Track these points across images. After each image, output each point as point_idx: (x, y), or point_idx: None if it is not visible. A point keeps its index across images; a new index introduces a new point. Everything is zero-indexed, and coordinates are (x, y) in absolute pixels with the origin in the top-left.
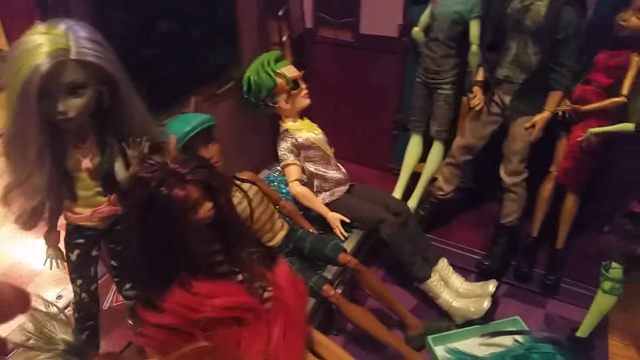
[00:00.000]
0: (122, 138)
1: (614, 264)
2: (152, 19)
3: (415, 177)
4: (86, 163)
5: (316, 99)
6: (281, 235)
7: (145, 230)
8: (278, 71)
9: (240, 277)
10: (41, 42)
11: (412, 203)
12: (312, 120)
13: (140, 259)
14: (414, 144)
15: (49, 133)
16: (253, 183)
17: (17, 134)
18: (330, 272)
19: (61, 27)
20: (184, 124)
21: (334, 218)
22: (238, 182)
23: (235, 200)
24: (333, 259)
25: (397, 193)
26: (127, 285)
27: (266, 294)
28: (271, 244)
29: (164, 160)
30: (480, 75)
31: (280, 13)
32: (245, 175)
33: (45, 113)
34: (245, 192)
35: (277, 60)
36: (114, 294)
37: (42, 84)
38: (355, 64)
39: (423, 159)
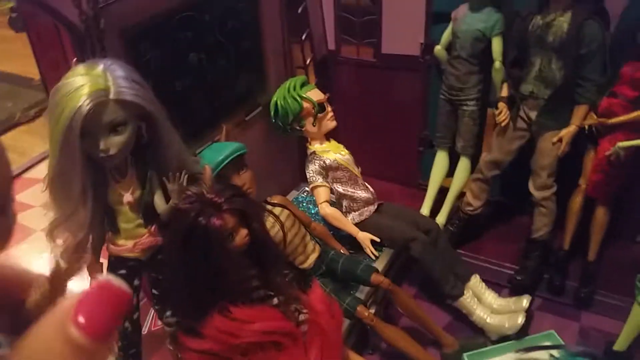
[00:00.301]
0: (161, 170)
1: None
2: (182, 52)
3: (442, 192)
4: (127, 197)
5: (342, 119)
6: (313, 257)
7: (186, 259)
8: (304, 95)
9: (275, 300)
10: (82, 84)
11: (441, 219)
12: (339, 140)
13: (181, 287)
14: (440, 160)
15: (91, 170)
16: (284, 207)
17: (61, 173)
18: (363, 292)
19: (100, 67)
20: (217, 152)
21: (365, 238)
22: (270, 207)
23: (268, 224)
24: (366, 279)
25: (425, 209)
26: (168, 313)
27: (301, 317)
28: (304, 266)
29: (200, 191)
30: (504, 92)
31: (303, 37)
32: (276, 199)
33: (87, 151)
34: (277, 217)
35: (302, 85)
36: (153, 318)
37: (84, 125)
38: (378, 83)
39: (450, 174)
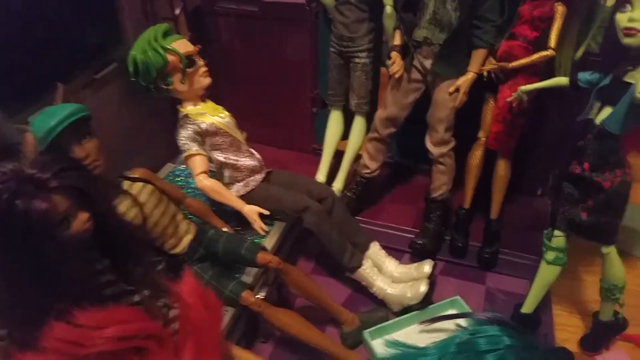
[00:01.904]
0: None
1: (556, 232)
2: None
3: (339, 155)
4: None
5: (222, 79)
6: (187, 239)
7: (4, 255)
8: (168, 47)
9: (137, 297)
10: None
11: (338, 184)
12: (219, 102)
13: (5, 291)
14: (334, 120)
15: None
16: (147, 181)
17: None
18: (250, 274)
19: None
20: (50, 117)
21: (251, 211)
22: (128, 183)
23: (125, 205)
24: (251, 260)
25: (321, 175)
26: None
27: (172, 313)
28: (176, 250)
29: (18, 166)
30: (397, 39)
31: None
32: (137, 173)
33: None
34: (132, 195)
35: (165, 34)
36: None
37: None
38: (262, 36)
39: (346, 135)
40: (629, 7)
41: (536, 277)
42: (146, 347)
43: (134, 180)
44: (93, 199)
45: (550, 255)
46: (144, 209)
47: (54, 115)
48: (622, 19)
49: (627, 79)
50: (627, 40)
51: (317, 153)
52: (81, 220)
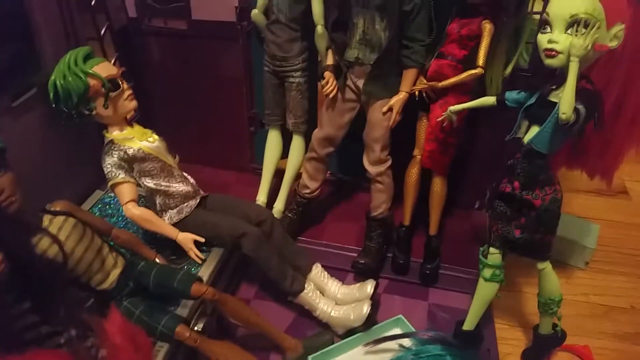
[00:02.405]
0: None
1: (492, 250)
2: None
3: (281, 175)
4: None
5: (154, 100)
6: (115, 273)
7: None
8: (89, 71)
9: (62, 339)
10: None
11: (279, 205)
12: (151, 125)
13: None
14: (273, 139)
15: None
16: (69, 214)
17: None
18: (187, 306)
19: None
20: None
21: (185, 239)
22: (48, 217)
23: (46, 242)
24: (184, 292)
25: (262, 195)
26: None
27: (101, 354)
28: (104, 286)
29: None
30: (330, 59)
31: (92, 2)
32: (58, 205)
33: None
34: (49, 232)
35: (86, 58)
36: None
37: None
38: (193, 55)
39: (285, 154)
40: (548, 28)
41: (475, 295)
42: None
43: (55, 213)
44: (5, 239)
45: (487, 273)
46: (65, 246)
47: None
48: (543, 40)
49: (552, 98)
50: (548, 62)
51: (257, 173)
52: None
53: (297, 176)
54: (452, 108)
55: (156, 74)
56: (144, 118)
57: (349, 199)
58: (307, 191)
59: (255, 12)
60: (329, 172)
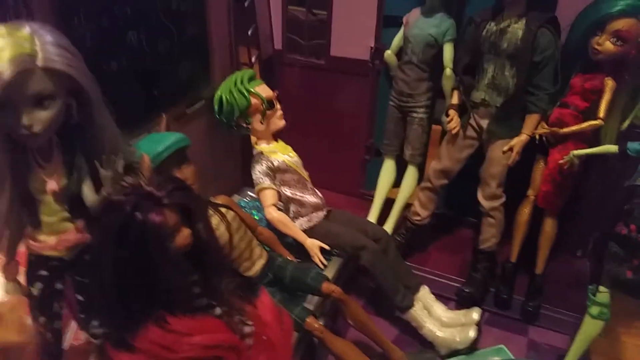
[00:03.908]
0: (92, 157)
1: (601, 288)
2: (120, 30)
3: (387, 203)
4: (52, 185)
5: (286, 123)
6: (260, 264)
7: (118, 260)
8: (252, 90)
9: (218, 311)
10: (2, 46)
11: (387, 229)
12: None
13: (111, 293)
14: (387, 168)
15: (10, 151)
16: (229, 208)
17: None
18: (311, 302)
19: (26, 29)
20: (156, 143)
21: (313, 245)
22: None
23: (215, 221)
24: (316, 288)
25: (372, 219)
26: (95, 323)
27: (246, 329)
28: (249, 273)
29: (137, 182)
30: (455, 99)
31: (249, 32)
32: (220, 199)
33: (6, 127)
34: (223, 216)
35: (250, 79)
36: (74, 330)
37: (5, 94)
38: (325, 86)
39: (396, 183)
40: None
41: (579, 331)
42: (225, 357)
43: (218, 206)
44: (195, 217)
45: (594, 310)
46: (230, 229)
47: (160, 142)
48: None
49: None
50: None
51: (366, 198)
52: (184, 235)
53: (407, 205)
54: (576, 152)
55: (290, 100)
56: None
57: (451, 232)
58: (418, 218)
59: (388, 53)
60: None
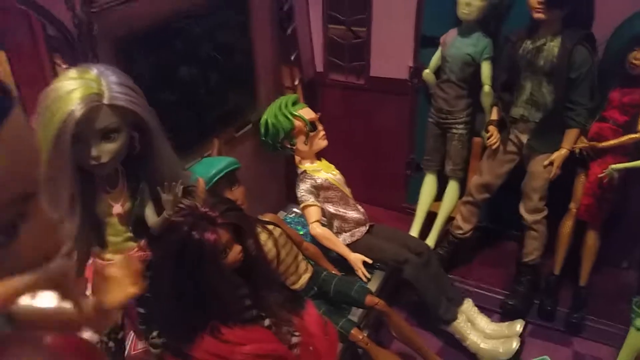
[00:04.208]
0: (153, 182)
1: None
2: (174, 65)
3: (429, 217)
4: (117, 208)
5: (328, 142)
6: (306, 277)
7: (177, 276)
8: (296, 113)
9: (267, 322)
10: (74, 88)
11: (430, 242)
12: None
13: (170, 305)
14: (429, 183)
15: (81, 179)
16: (276, 225)
17: (49, 180)
18: (355, 315)
19: (93, 72)
20: (209, 167)
21: (356, 259)
22: (263, 224)
23: (264, 237)
24: (360, 301)
25: (414, 232)
26: (155, 333)
27: (294, 340)
28: (295, 287)
29: (194, 204)
30: (494, 115)
31: (292, 58)
32: (268, 217)
33: (78, 159)
34: (271, 232)
35: (294, 103)
36: (133, 341)
37: (76, 130)
38: (366, 106)
39: (437, 197)
40: None
41: (625, 343)
42: None
43: (266, 223)
44: (245, 235)
45: (639, 322)
46: (277, 245)
47: (213, 165)
48: None
49: None
50: None
51: (407, 212)
52: (235, 251)
53: (448, 219)
54: (615, 166)
55: (332, 120)
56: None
57: (494, 245)
58: (460, 232)
59: (427, 72)
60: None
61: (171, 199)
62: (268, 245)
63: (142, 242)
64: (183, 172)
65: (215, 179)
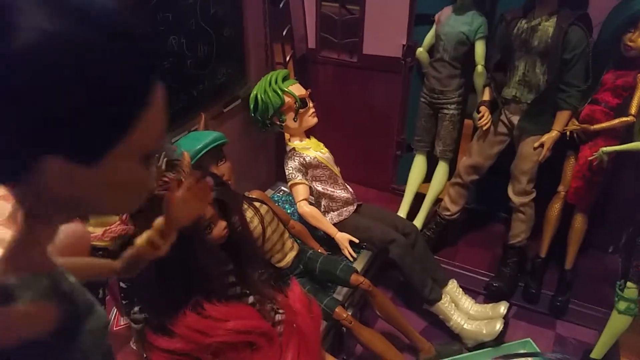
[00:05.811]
0: None
1: (629, 284)
2: (162, 35)
3: (417, 197)
4: None
5: (319, 119)
6: (291, 255)
7: None
8: (286, 89)
9: (251, 299)
10: None
11: (417, 223)
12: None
13: (152, 280)
14: (418, 164)
15: None
16: (263, 202)
17: None
18: (340, 293)
19: None
20: (195, 141)
21: (343, 238)
22: (249, 201)
23: (249, 215)
24: (345, 280)
25: (402, 213)
26: (136, 308)
27: (277, 317)
28: (281, 265)
29: (179, 177)
30: (486, 95)
31: (284, 33)
32: (254, 194)
33: None
34: (257, 209)
35: (284, 79)
36: (115, 317)
37: None
38: (357, 84)
39: (426, 179)
40: None
41: (607, 326)
42: (257, 343)
43: (252, 200)
44: (230, 211)
45: (622, 305)
46: (264, 223)
47: (199, 140)
48: None
49: None
50: None
51: (396, 193)
52: (220, 227)
53: (436, 200)
54: (605, 149)
55: (322, 97)
56: (310, 132)
57: (481, 227)
58: (448, 213)
59: (420, 51)
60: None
61: (153, 171)
62: (254, 223)
63: (124, 215)
64: (168, 146)
65: (201, 153)
